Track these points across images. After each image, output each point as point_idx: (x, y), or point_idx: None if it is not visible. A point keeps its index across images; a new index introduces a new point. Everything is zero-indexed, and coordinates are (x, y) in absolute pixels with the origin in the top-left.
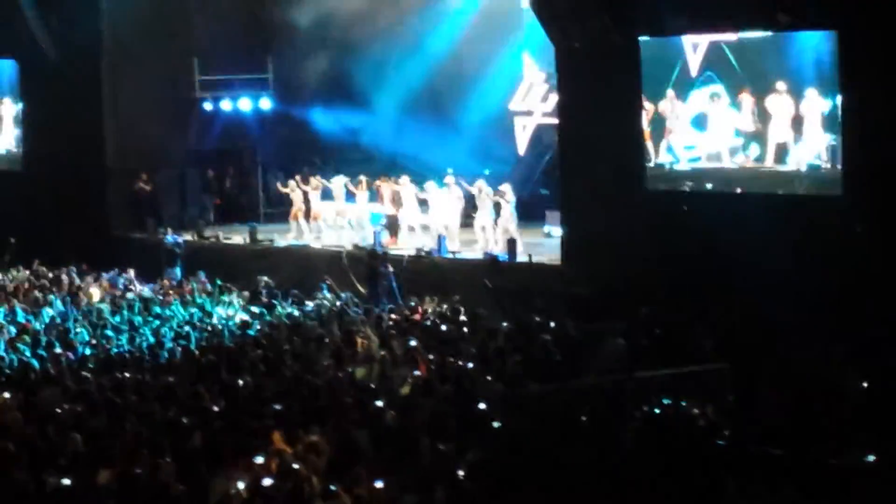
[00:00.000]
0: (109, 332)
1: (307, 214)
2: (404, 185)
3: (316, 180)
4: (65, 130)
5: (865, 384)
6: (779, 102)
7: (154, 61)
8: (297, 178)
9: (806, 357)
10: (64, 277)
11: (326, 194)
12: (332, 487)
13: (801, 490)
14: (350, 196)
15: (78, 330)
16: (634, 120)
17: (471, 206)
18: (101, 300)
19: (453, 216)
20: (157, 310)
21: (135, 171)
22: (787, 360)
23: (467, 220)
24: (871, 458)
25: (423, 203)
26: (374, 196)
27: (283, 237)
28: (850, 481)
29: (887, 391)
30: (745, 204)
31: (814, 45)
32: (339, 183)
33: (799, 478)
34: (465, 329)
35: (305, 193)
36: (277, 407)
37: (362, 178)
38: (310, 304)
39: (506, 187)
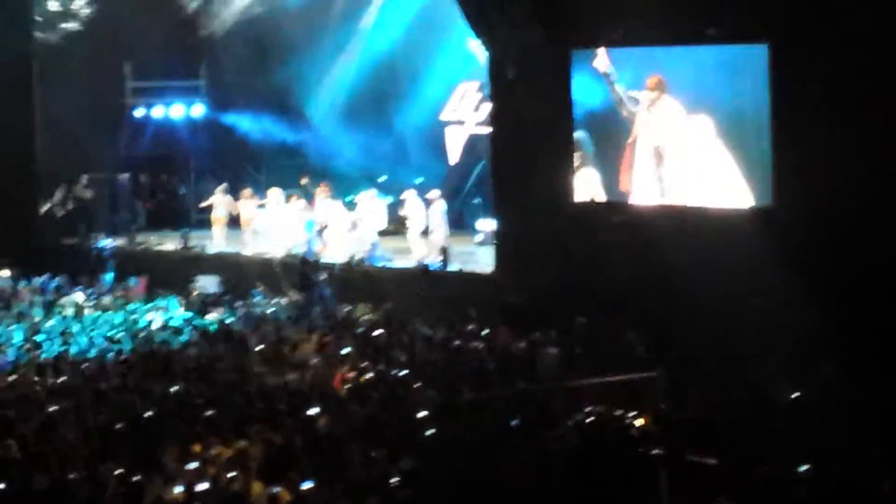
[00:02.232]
0: (41, 338)
1: (234, 221)
2: (367, 199)
3: (248, 192)
4: None
5: (797, 394)
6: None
7: (86, 67)
8: (224, 187)
9: (738, 366)
10: None
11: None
12: (266, 492)
13: (734, 499)
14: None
15: (10, 334)
16: (566, 130)
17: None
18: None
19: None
20: (89, 315)
21: (72, 176)
22: (720, 369)
23: (400, 228)
24: (804, 467)
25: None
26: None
27: (214, 243)
28: (784, 491)
29: (818, 402)
30: (678, 214)
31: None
32: (273, 194)
33: (732, 487)
34: (398, 336)
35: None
36: (209, 412)
37: (297, 190)
38: (242, 311)
39: (434, 193)
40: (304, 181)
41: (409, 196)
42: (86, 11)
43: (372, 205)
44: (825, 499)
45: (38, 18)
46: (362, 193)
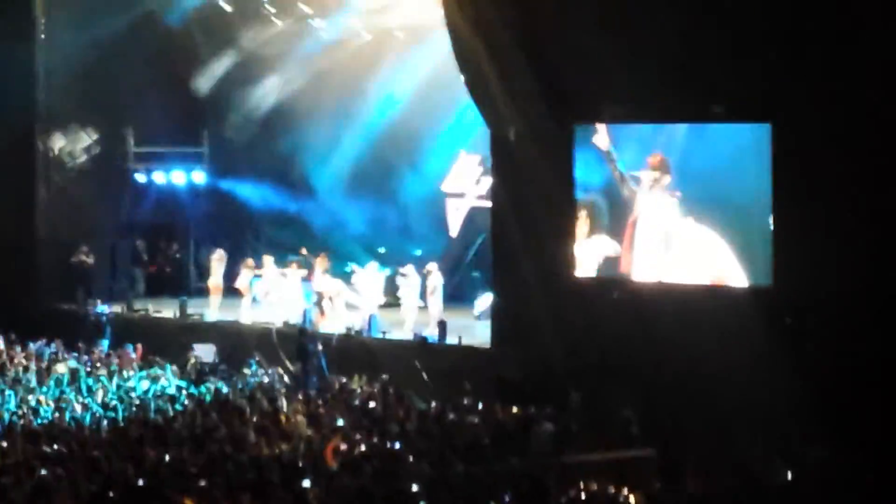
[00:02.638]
0: (35, 403)
1: (231, 289)
2: (367, 271)
3: (250, 262)
4: None
5: (790, 475)
6: None
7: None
8: (220, 253)
9: (731, 446)
10: None
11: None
12: None
13: None
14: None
15: (4, 399)
16: (567, 206)
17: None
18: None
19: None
20: (85, 381)
21: (72, 242)
22: (713, 448)
23: (397, 300)
24: None
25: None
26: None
27: (212, 312)
28: None
29: (811, 483)
30: (676, 292)
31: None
32: (268, 263)
33: None
34: (393, 409)
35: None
36: (202, 482)
37: (297, 259)
38: (238, 380)
39: (433, 266)
40: (303, 251)
41: (408, 269)
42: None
43: (371, 277)
44: None
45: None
46: (367, 266)
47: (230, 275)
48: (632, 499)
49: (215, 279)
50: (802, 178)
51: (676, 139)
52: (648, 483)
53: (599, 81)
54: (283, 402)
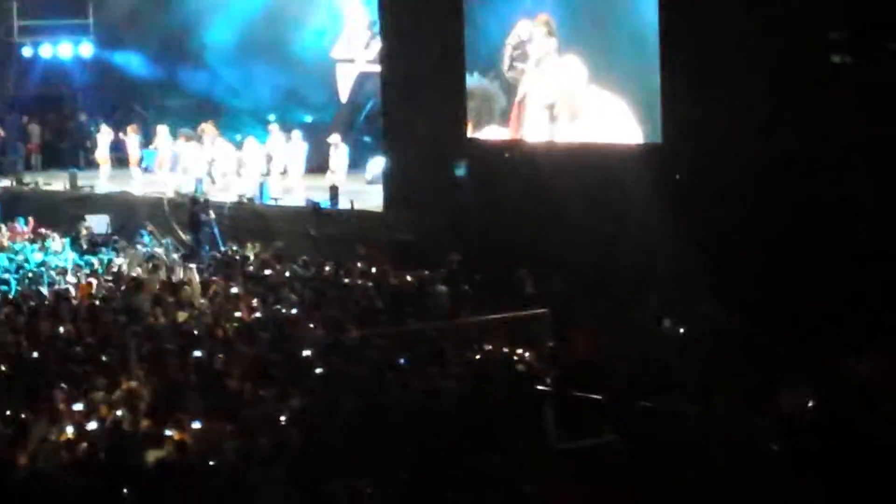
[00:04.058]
0: None
1: (120, 161)
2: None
3: (133, 128)
4: None
5: (682, 330)
6: None
7: None
8: (108, 127)
9: (624, 303)
10: None
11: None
12: (155, 431)
13: (618, 432)
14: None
15: None
16: (458, 68)
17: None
18: None
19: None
20: None
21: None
22: (607, 306)
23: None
24: (688, 404)
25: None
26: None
27: (103, 183)
28: (665, 423)
29: (702, 339)
30: (568, 152)
31: None
32: (161, 133)
33: (616, 421)
34: (287, 275)
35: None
36: (98, 353)
37: (187, 130)
38: (132, 251)
39: (334, 137)
40: (200, 128)
41: (292, 135)
42: None
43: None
44: (705, 431)
45: None
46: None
47: (119, 146)
48: (526, 357)
49: (102, 151)
50: (690, 35)
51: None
52: (542, 342)
53: None
54: (178, 272)
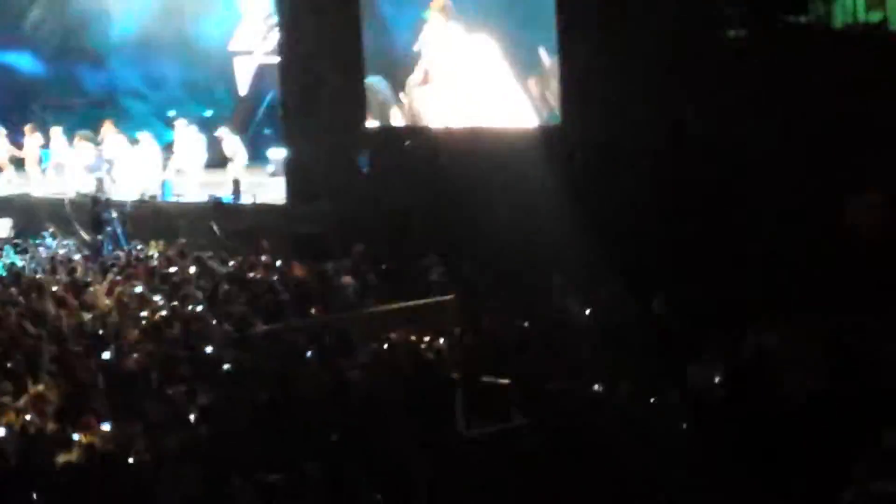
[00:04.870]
0: None
1: (19, 162)
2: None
3: (30, 128)
4: None
5: (588, 311)
6: None
7: None
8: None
9: (530, 288)
10: None
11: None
12: (64, 435)
13: (527, 415)
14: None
15: None
16: (356, 56)
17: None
18: None
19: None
20: None
21: None
22: (513, 291)
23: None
24: (597, 386)
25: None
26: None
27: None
28: (572, 404)
29: (609, 321)
30: (468, 136)
31: None
32: (56, 133)
33: (525, 404)
34: (192, 272)
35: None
36: (3, 358)
37: (81, 131)
38: (34, 253)
39: (223, 131)
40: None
41: (189, 130)
42: None
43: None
44: (614, 412)
45: None
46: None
47: (16, 147)
48: (434, 345)
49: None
50: (587, 11)
51: None
52: (450, 329)
53: None
54: (81, 273)
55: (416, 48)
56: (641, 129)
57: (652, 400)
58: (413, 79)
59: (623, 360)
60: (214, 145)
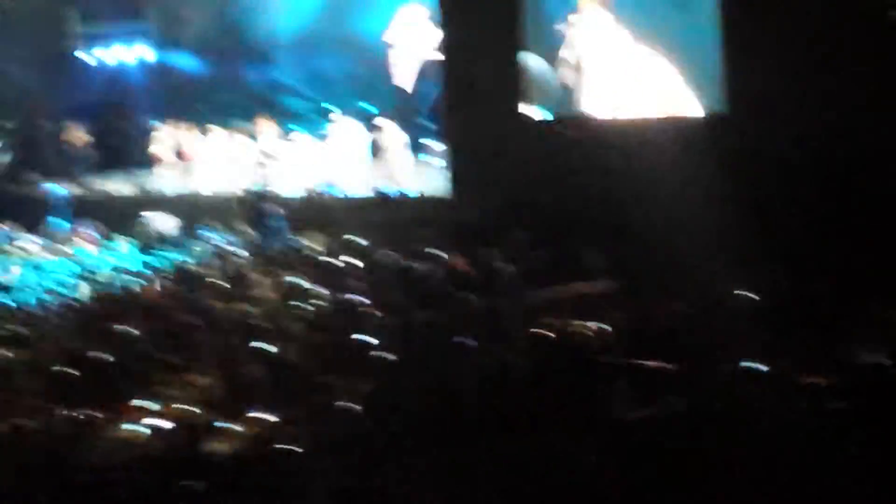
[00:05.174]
0: None
1: (184, 158)
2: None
3: (190, 126)
4: None
5: (755, 297)
6: None
7: (29, 11)
8: (166, 125)
9: (690, 273)
10: None
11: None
12: (226, 426)
13: (688, 400)
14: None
15: None
16: (515, 47)
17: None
18: None
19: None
20: (42, 262)
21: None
22: (673, 276)
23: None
24: (762, 367)
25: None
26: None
27: (165, 183)
28: (733, 388)
29: (774, 305)
30: (626, 126)
31: None
32: (217, 129)
33: (685, 388)
34: (354, 263)
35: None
36: (168, 352)
37: (241, 127)
38: (197, 248)
39: (386, 121)
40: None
41: (350, 124)
42: None
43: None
44: (771, 395)
45: None
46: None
47: (179, 145)
48: (594, 330)
49: (162, 151)
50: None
51: None
52: (611, 315)
53: None
54: (243, 266)
55: (568, 37)
56: (807, 119)
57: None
58: (568, 68)
59: (784, 341)
60: (376, 138)
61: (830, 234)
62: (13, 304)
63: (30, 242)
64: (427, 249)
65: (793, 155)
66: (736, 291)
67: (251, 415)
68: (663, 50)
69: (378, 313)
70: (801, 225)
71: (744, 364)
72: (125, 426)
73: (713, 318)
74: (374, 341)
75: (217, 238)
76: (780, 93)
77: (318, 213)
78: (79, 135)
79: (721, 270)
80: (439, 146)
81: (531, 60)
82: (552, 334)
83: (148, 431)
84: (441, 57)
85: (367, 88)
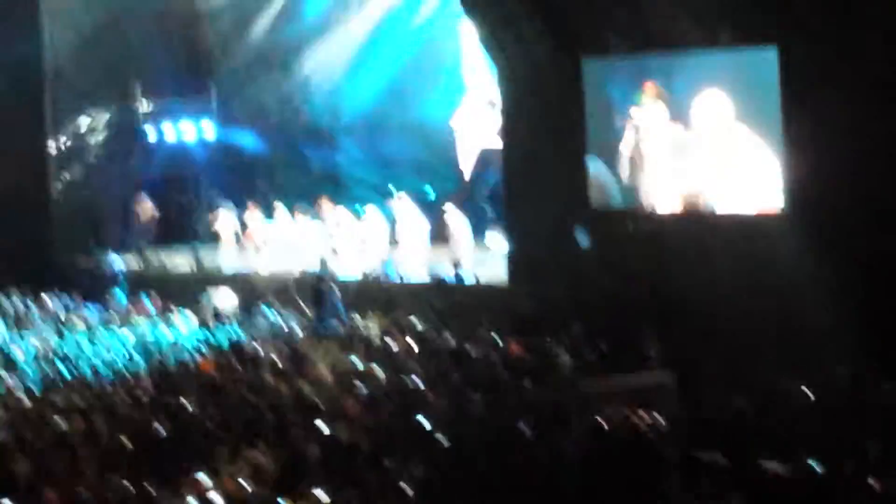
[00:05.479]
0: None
1: (246, 237)
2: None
3: (253, 205)
4: (8, 155)
5: (811, 394)
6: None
7: (96, 86)
8: (230, 205)
9: (752, 367)
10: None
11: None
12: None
13: (745, 498)
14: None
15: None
16: (578, 139)
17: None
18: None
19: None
20: (102, 334)
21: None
22: (734, 370)
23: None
24: (818, 466)
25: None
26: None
27: (225, 261)
28: (793, 488)
29: (832, 401)
30: (688, 221)
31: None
32: (280, 209)
33: (743, 485)
34: (411, 346)
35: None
36: (223, 427)
37: (304, 207)
38: (255, 326)
39: (450, 206)
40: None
41: (412, 207)
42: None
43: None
44: (835, 497)
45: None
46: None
47: (240, 223)
48: (650, 421)
49: (225, 230)
50: (812, 102)
51: (673, 67)
52: (668, 407)
53: (605, 14)
54: (301, 345)
55: (629, 131)
56: (881, 209)
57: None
58: (630, 161)
59: (847, 441)
60: (438, 222)
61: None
62: (71, 374)
63: (89, 313)
64: (483, 335)
65: (852, 254)
66: (795, 386)
67: (306, 492)
68: (725, 145)
69: (433, 396)
70: (863, 321)
71: (801, 462)
72: (181, 500)
73: (771, 413)
74: (429, 425)
75: (275, 317)
76: (841, 188)
77: (375, 294)
78: (148, 208)
79: (780, 364)
80: (499, 233)
81: (593, 151)
82: (607, 424)
83: None
84: (503, 145)
85: (430, 172)
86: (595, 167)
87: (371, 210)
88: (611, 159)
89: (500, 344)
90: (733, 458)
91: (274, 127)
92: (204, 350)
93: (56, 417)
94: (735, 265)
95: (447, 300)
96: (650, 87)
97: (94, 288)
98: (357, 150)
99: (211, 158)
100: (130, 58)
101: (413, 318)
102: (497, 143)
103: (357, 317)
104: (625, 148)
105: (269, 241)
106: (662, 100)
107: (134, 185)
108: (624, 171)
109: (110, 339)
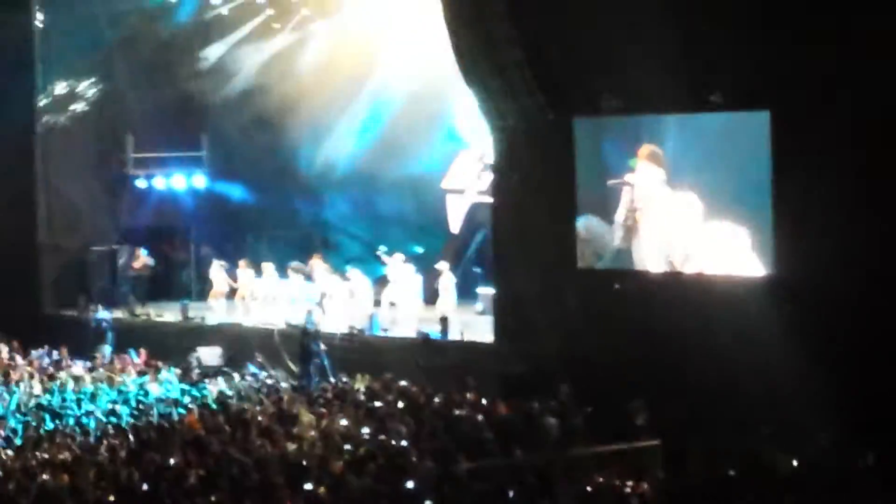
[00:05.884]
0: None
1: (233, 293)
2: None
3: (244, 263)
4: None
5: (795, 463)
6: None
7: (87, 137)
8: (221, 262)
9: (738, 435)
10: None
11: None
12: None
13: None
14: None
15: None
16: (569, 199)
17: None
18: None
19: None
20: (88, 388)
21: (73, 247)
22: (720, 437)
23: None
24: None
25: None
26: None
27: (214, 314)
28: None
29: (816, 470)
30: (678, 283)
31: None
32: (268, 266)
33: None
34: (397, 406)
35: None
36: (207, 485)
37: (293, 263)
38: (241, 382)
39: (443, 265)
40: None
41: (402, 264)
42: (92, 91)
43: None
44: None
45: (45, 100)
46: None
47: (229, 276)
48: (637, 489)
49: (215, 285)
50: (802, 166)
51: (665, 129)
52: (654, 473)
53: (597, 73)
54: (287, 403)
55: (622, 192)
56: (864, 275)
57: None
58: (620, 223)
59: None
60: (427, 280)
61: (882, 406)
62: (56, 428)
63: (77, 367)
64: (469, 395)
65: (841, 318)
66: (781, 455)
67: None
68: (716, 208)
69: (419, 458)
70: (853, 391)
71: None
72: None
73: (756, 483)
74: (413, 486)
75: (261, 373)
76: (828, 254)
77: (361, 351)
78: (144, 261)
79: (766, 432)
80: (486, 291)
81: (584, 211)
82: (592, 490)
83: None
84: (492, 202)
85: (419, 229)
86: (586, 226)
87: (357, 268)
88: (602, 219)
89: (485, 403)
90: None
91: (264, 180)
92: (190, 406)
93: (40, 472)
94: (723, 328)
95: (433, 358)
96: (644, 149)
97: (81, 341)
98: (345, 205)
99: (201, 212)
100: (123, 109)
101: (398, 376)
102: (486, 200)
103: (342, 374)
104: (617, 208)
105: (256, 296)
106: (656, 161)
107: (124, 237)
108: (616, 230)
109: (97, 392)
